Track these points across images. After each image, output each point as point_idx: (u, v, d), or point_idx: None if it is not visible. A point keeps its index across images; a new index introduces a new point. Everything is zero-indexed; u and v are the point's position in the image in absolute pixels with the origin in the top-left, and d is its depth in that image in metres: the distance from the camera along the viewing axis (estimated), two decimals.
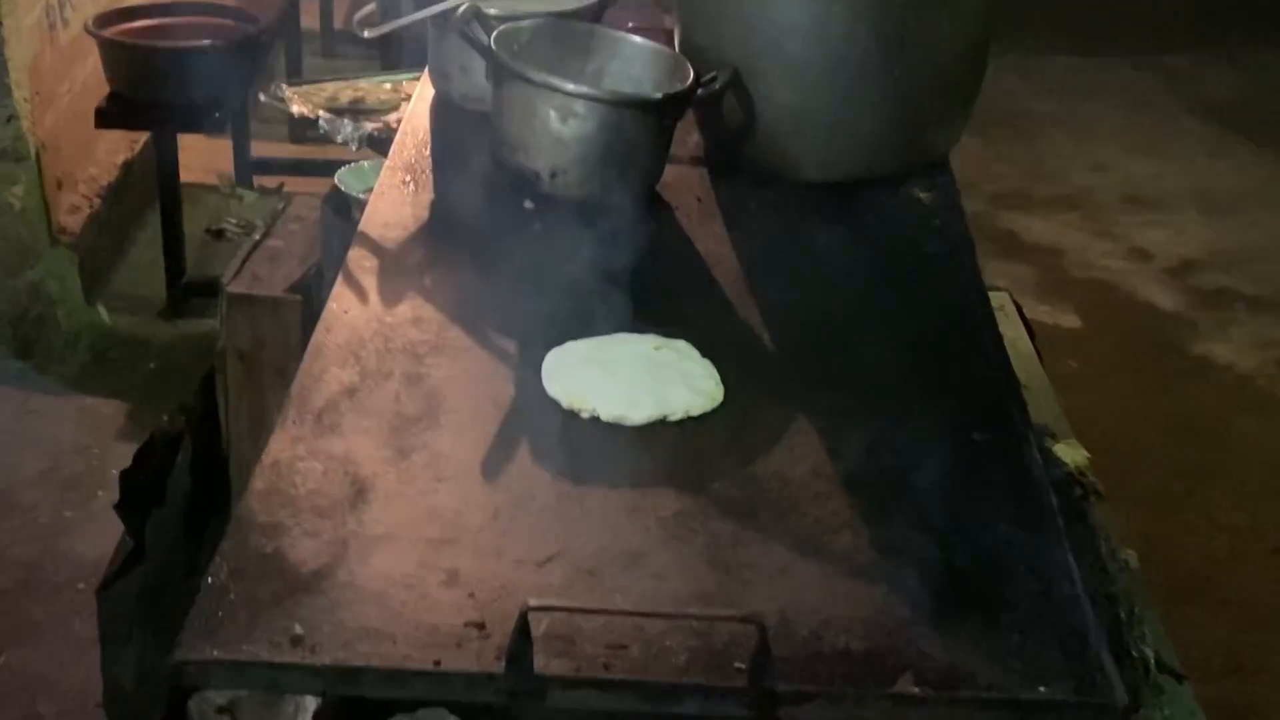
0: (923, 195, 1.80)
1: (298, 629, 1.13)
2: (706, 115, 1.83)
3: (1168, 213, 4.40)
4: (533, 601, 1.11)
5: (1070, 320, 3.78)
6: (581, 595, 1.18)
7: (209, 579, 1.18)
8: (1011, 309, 2.03)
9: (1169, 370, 3.61)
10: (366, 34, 1.81)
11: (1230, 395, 3.51)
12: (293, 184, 3.79)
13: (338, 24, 4.74)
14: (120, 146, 3.74)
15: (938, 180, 1.83)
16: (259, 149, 3.90)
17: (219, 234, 3.72)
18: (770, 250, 1.65)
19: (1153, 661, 1.24)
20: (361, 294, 1.57)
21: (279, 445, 1.33)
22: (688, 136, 1.87)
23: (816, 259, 1.62)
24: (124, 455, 2.08)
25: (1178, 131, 4.98)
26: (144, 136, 3.70)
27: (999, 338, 1.52)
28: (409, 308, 1.56)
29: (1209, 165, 4.73)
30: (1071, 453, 1.63)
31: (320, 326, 1.51)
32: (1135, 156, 4.76)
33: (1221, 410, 3.44)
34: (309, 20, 4.57)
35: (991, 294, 2.08)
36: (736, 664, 1.11)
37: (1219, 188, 4.57)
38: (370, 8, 1.86)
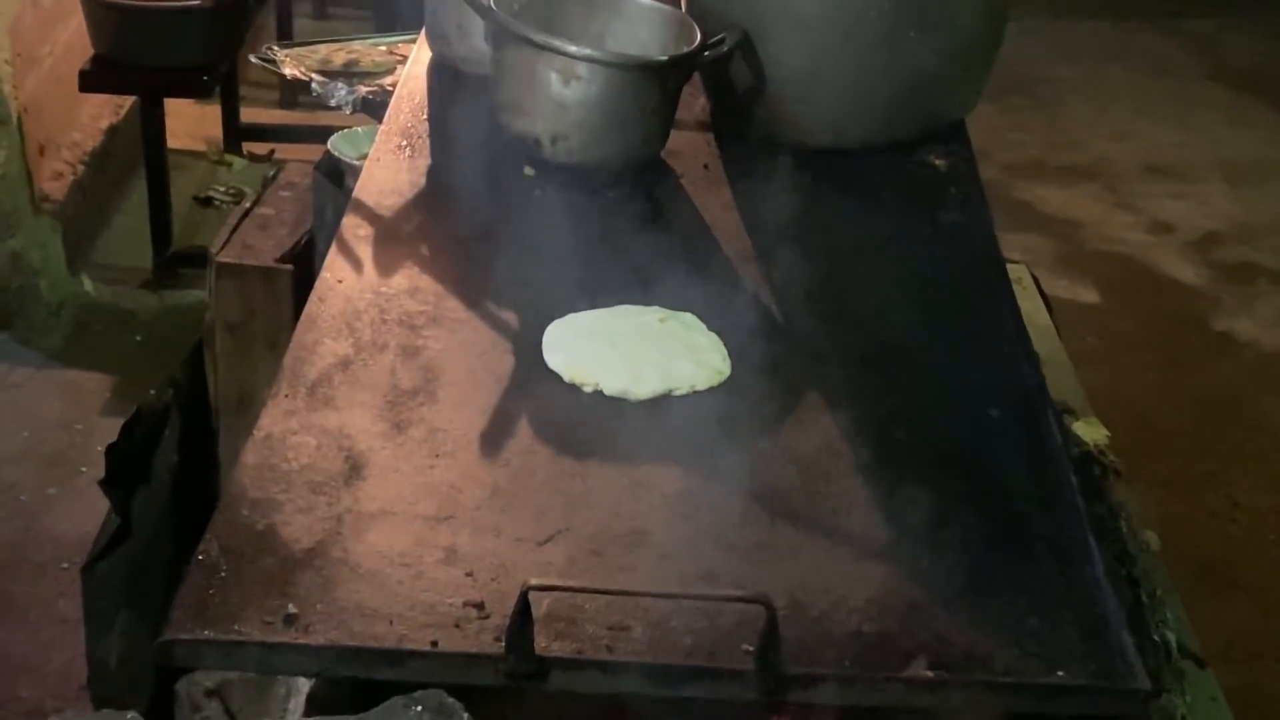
0: (938, 162, 1.75)
1: (291, 608, 1.09)
2: (713, 78, 1.78)
3: (1190, 183, 4.33)
4: (533, 581, 1.07)
5: (1089, 295, 3.73)
6: (584, 575, 1.15)
7: (199, 556, 1.14)
8: (1029, 281, 1.99)
9: (1190, 347, 3.56)
10: None
11: (1254, 373, 3.46)
12: (283, 150, 3.73)
13: None
14: (105, 111, 3.67)
15: (953, 147, 1.78)
16: (248, 114, 3.83)
17: (207, 202, 3.66)
18: (779, 219, 1.60)
19: (1174, 646, 1.21)
20: (356, 263, 1.53)
21: (271, 418, 1.28)
22: (694, 100, 1.83)
23: (827, 228, 1.58)
24: (109, 430, 2.03)
25: (1200, 99, 4.90)
26: (129, 101, 3.63)
27: (1017, 311, 1.48)
28: (405, 278, 1.51)
29: (1233, 134, 4.66)
30: (1091, 431, 1.59)
31: (313, 296, 1.46)
32: (1156, 124, 4.68)
33: (1244, 388, 3.40)
34: None
35: (1009, 266, 2.04)
36: (744, 646, 1.08)
37: (1243, 158, 4.49)
38: None
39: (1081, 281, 3.80)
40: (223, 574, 1.12)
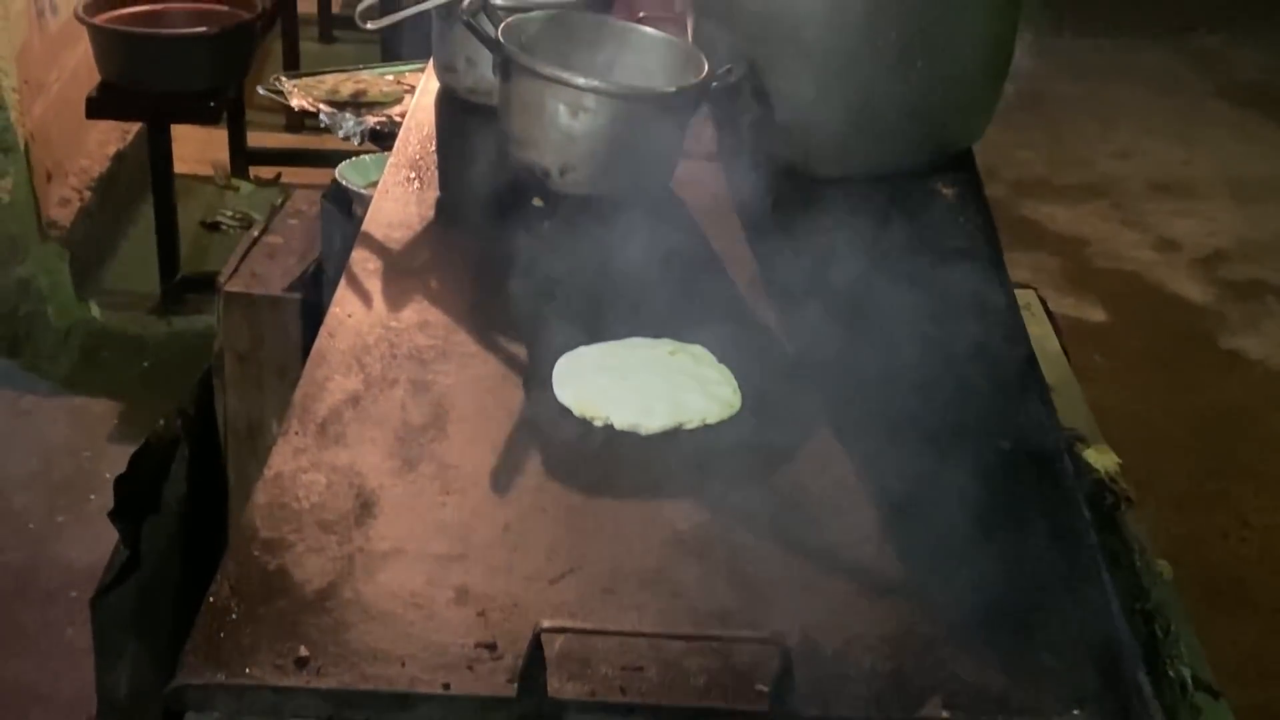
0: (946, 191, 1.75)
1: (302, 650, 1.09)
2: (721, 109, 1.78)
3: (1197, 201, 4.33)
4: (546, 623, 1.07)
5: (1096, 314, 3.72)
6: (596, 614, 1.14)
7: (210, 598, 1.14)
8: (1038, 306, 1.98)
9: (1199, 365, 3.55)
10: (369, 26, 1.76)
11: (1262, 391, 3.45)
12: (290, 175, 3.75)
13: (335, 8, 4.68)
14: (112, 137, 3.68)
15: (961, 175, 1.78)
16: (255, 139, 3.85)
17: (214, 227, 3.67)
18: (788, 249, 1.60)
19: (1189, 681, 1.20)
20: (365, 297, 1.53)
21: (281, 457, 1.28)
22: (702, 131, 1.82)
23: (837, 258, 1.57)
24: (117, 457, 2.04)
25: (1206, 115, 4.89)
26: (136, 126, 3.65)
27: (1027, 341, 1.48)
28: (415, 311, 1.51)
29: (1239, 151, 4.65)
30: (1102, 458, 1.59)
31: (323, 331, 1.46)
32: (1162, 141, 4.67)
33: (1253, 406, 3.39)
34: (306, 5, 4.51)
35: (1018, 291, 2.04)
36: (758, 686, 1.07)
37: (1250, 174, 4.48)
38: None
39: (1089, 300, 3.79)
40: (234, 616, 1.12)
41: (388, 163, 1.80)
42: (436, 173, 1.79)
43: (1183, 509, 3.06)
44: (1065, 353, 2.00)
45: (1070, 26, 5.45)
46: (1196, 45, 5.42)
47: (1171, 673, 1.19)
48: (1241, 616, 2.80)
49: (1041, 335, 1.91)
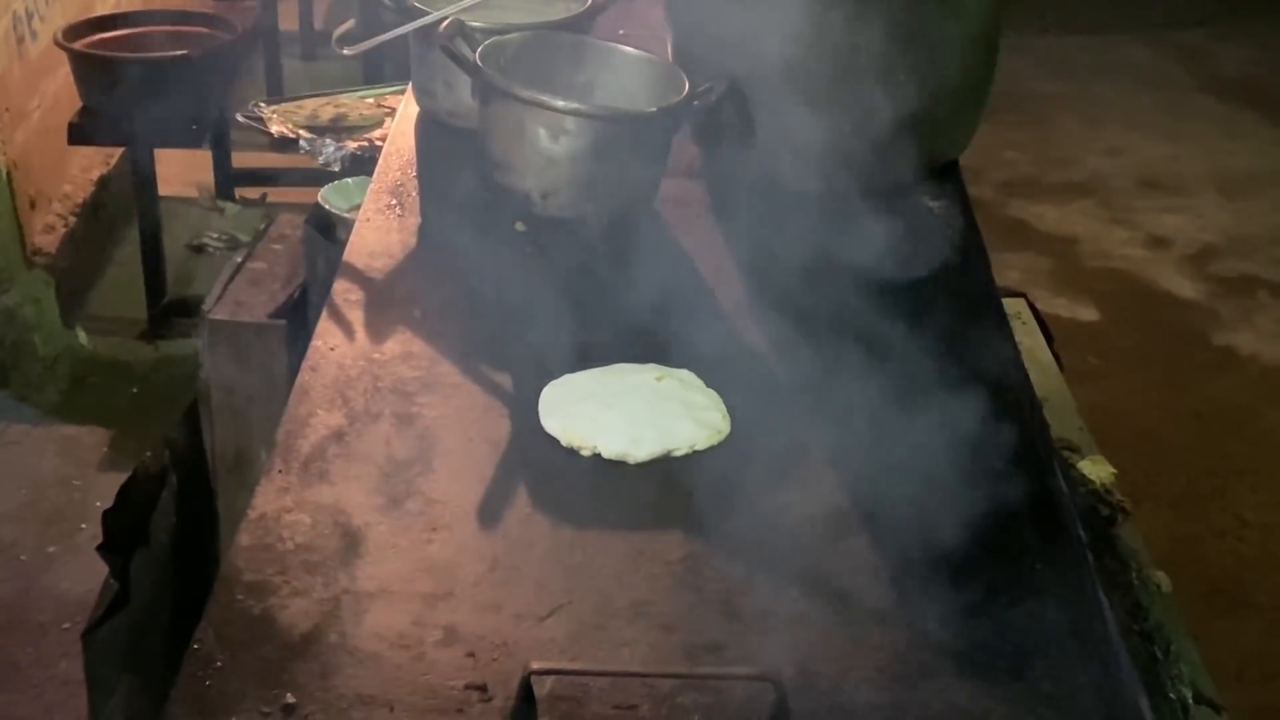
0: (932, 204, 1.74)
1: (289, 698, 1.07)
2: (704, 127, 1.77)
3: (1185, 197, 4.32)
4: (535, 665, 1.05)
5: (1088, 313, 3.71)
6: (587, 650, 1.12)
7: (194, 645, 1.12)
8: (1028, 315, 1.97)
9: (1192, 363, 3.54)
10: (346, 52, 1.74)
11: (1256, 387, 3.44)
12: (276, 194, 3.72)
13: (317, 25, 4.66)
14: (95, 161, 3.66)
15: (946, 188, 1.77)
16: (240, 159, 3.82)
17: (200, 249, 3.65)
18: (775, 268, 1.58)
19: (1190, 702, 1.19)
20: (348, 329, 1.51)
21: (264, 497, 1.26)
22: (684, 149, 1.81)
23: (824, 276, 1.56)
24: (107, 486, 2.02)
25: (1193, 111, 4.88)
26: (119, 150, 3.62)
27: (1017, 355, 1.46)
28: (398, 343, 1.49)
29: (1226, 146, 4.64)
30: (1096, 469, 1.57)
31: (305, 365, 1.44)
32: (1149, 138, 4.66)
33: (1247, 403, 3.37)
34: (287, 23, 4.49)
35: (1007, 300, 2.02)
36: None
37: (1237, 169, 4.47)
38: (350, 24, 1.79)
39: (1080, 300, 3.78)
40: (218, 664, 1.10)
41: (368, 189, 1.78)
42: (417, 199, 1.77)
43: (1179, 509, 3.04)
44: (1058, 361, 1.98)
45: (1054, 25, 5.45)
46: (1180, 41, 5.41)
47: (1173, 694, 1.17)
48: (1242, 617, 2.78)
49: (1033, 345, 1.90)
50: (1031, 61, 5.13)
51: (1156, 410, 3.36)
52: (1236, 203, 4.31)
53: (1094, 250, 4.04)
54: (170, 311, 3.32)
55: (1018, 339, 1.91)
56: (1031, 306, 2.04)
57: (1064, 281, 3.86)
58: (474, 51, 1.66)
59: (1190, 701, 1.19)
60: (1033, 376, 1.77)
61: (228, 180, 3.78)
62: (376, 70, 3.18)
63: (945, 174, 1.80)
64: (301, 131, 2.21)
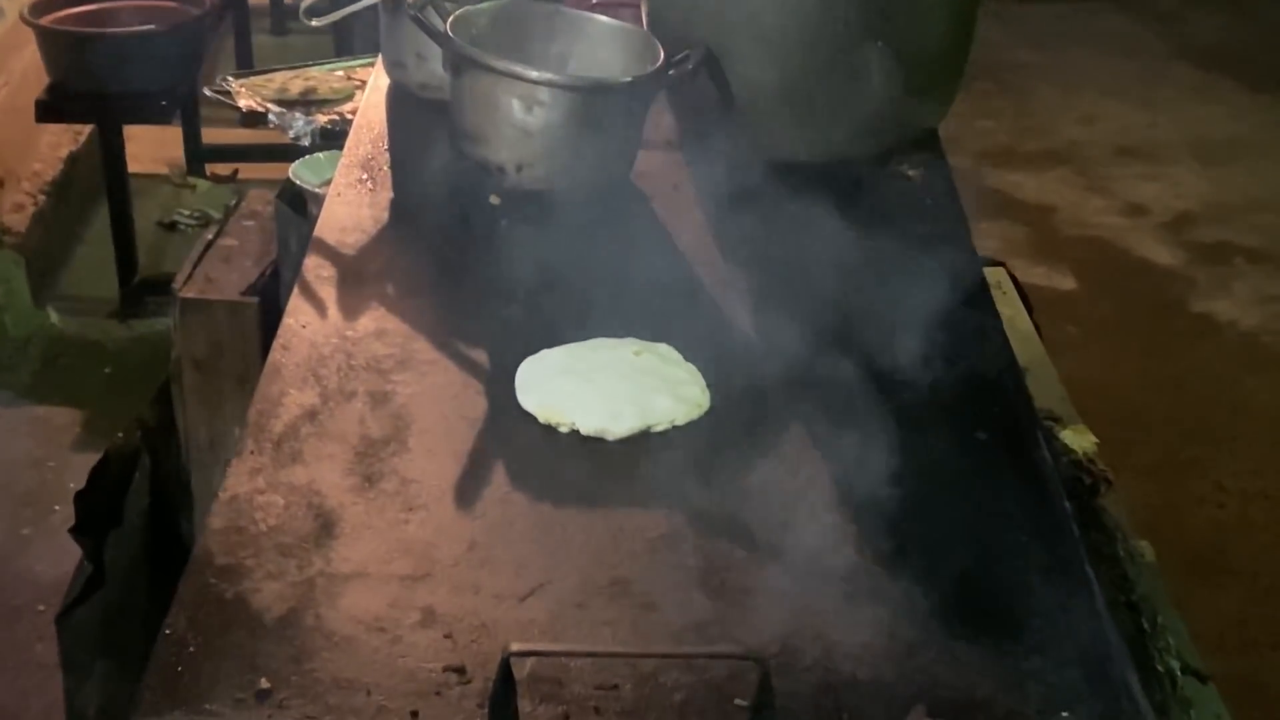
0: (911, 173, 1.72)
1: (264, 683, 1.05)
2: (680, 97, 1.74)
3: (1161, 164, 4.31)
4: (514, 646, 1.03)
5: (1066, 282, 3.71)
6: (567, 630, 1.11)
7: (166, 630, 1.10)
8: (1009, 285, 1.96)
9: (1170, 331, 3.54)
10: (314, 23, 1.71)
11: (1234, 354, 3.44)
12: (248, 170, 3.68)
13: (287, 0, 4.60)
14: (64, 139, 3.61)
15: (926, 156, 1.75)
16: (210, 135, 3.78)
17: (172, 226, 3.61)
18: (754, 239, 1.56)
19: (1177, 673, 1.18)
20: (320, 306, 1.48)
21: (236, 478, 1.24)
22: (661, 120, 1.78)
23: (803, 247, 1.54)
24: (81, 467, 1.99)
25: (1168, 77, 4.88)
26: (89, 127, 3.57)
27: (1000, 326, 1.45)
28: (371, 319, 1.46)
29: (1202, 112, 4.64)
30: (1079, 439, 1.56)
31: (276, 344, 1.41)
32: (1125, 106, 4.66)
33: (1226, 370, 3.38)
34: None
35: (988, 270, 2.00)
36: (737, 700, 1.04)
37: (1213, 136, 4.47)
38: None
39: (1058, 268, 3.77)
40: (191, 649, 1.08)
41: (339, 164, 1.75)
42: (389, 173, 1.74)
43: (1159, 477, 3.05)
44: (1038, 330, 1.97)
45: None
46: (1156, 8, 5.40)
47: (1160, 666, 1.16)
48: (1223, 584, 2.79)
49: (1013, 315, 1.88)
50: (1008, 30, 5.11)
51: (1135, 378, 3.36)
52: (1213, 169, 4.31)
53: (1071, 219, 4.04)
54: (142, 290, 3.28)
55: (998, 309, 1.90)
56: (1011, 276, 2.02)
57: (1042, 250, 3.86)
58: (444, 21, 1.63)
59: (1178, 672, 1.18)
60: (1014, 346, 1.76)
61: (198, 156, 3.74)
62: (347, 43, 3.14)
63: (925, 143, 1.78)
64: (271, 105, 2.17)
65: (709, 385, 1.36)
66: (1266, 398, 3.30)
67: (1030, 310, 2.03)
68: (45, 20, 3.18)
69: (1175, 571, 2.76)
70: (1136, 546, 1.41)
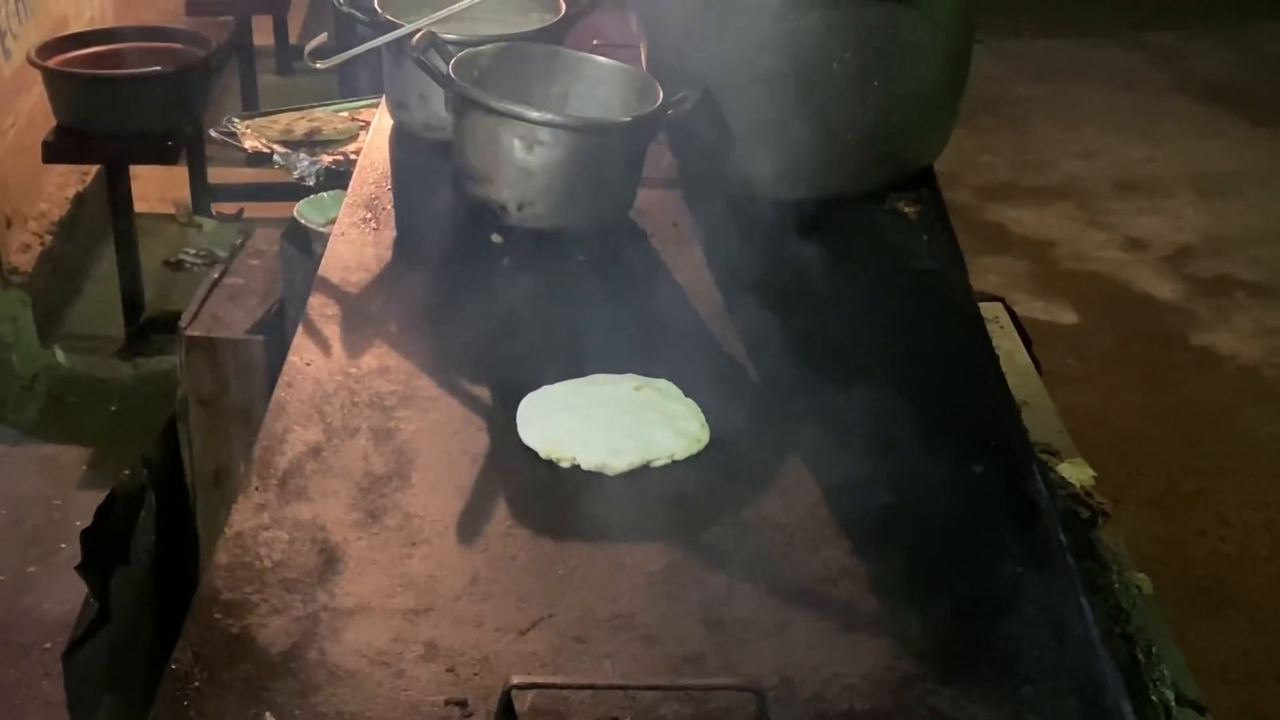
0: (908, 209, 1.74)
1: (269, 717, 1.07)
2: (679, 135, 1.77)
3: (1162, 198, 4.33)
4: (515, 679, 1.05)
5: (1067, 316, 3.72)
6: (568, 663, 1.12)
7: (172, 665, 1.11)
8: (1006, 319, 1.97)
9: (1171, 363, 3.55)
10: (320, 66, 1.73)
11: (1235, 387, 3.45)
12: (254, 209, 3.71)
13: (292, 40, 4.65)
14: (71, 179, 3.65)
15: (922, 193, 1.77)
16: (216, 175, 3.81)
17: (178, 265, 3.63)
18: (752, 275, 1.58)
19: (1172, 704, 1.19)
20: (324, 344, 1.50)
21: (242, 515, 1.25)
22: (660, 158, 1.81)
23: (801, 283, 1.56)
24: (87, 505, 2.00)
25: (1168, 112, 4.90)
26: (95, 167, 3.60)
27: (996, 360, 1.46)
28: (374, 357, 1.48)
29: (1202, 146, 4.66)
30: (1076, 472, 1.57)
31: (281, 381, 1.43)
32: (1125, 140, 4.68)
33: (1227, 403, 3.38)
34: (263, 38, 4.48)
35: (985, 305, 2.02)
36: None
37: (1213, 169, 4.49)
38: (322, 38, 1.78)
39: (1058, 303, 3.79)
40: (197, 683, 1.09)
41: (343, 203, 1.78)
42: (393, 212, 1.76)
43: (1160, 509, 3.05)
44: (1037, 364, 1.98)
45: (1030, 29, 5.47)
46: (1156, 43, 5.44)
47: (1155, 697, 1.17)
48: (1225, 615, 2.79)
49: (1011, 349, 1.90)
50: (1008, 66, 5.15)
51: (1136, 411, 3.37)
52: (1213, 203, 4.32)
53: (1072, 253, 4.05)
54: (148, 329, 3.30)
55: (996, 343, 1.92)
56: (1009, 310, 2.04)
57: (1042, 285, 3.87)
58: (447, 63, 1.66)
59: (1172, 703, 1.19)
60: (1011, 380, 1.77)
61: (204, 196, 3.77)
62: (352, 84, 3.17)
63: (921, 179, 1.80)
64: (276, 146, 2.20)
65: (708, 420, 1.37)
66: (1268, 429, 3.30)
67: (1029, 344, 2.04)
68: (52, 62, 3.22)
69: (1178, 603, 2.76)
70: (1134, 578, 1.42)
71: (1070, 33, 5.51)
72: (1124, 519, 2.96)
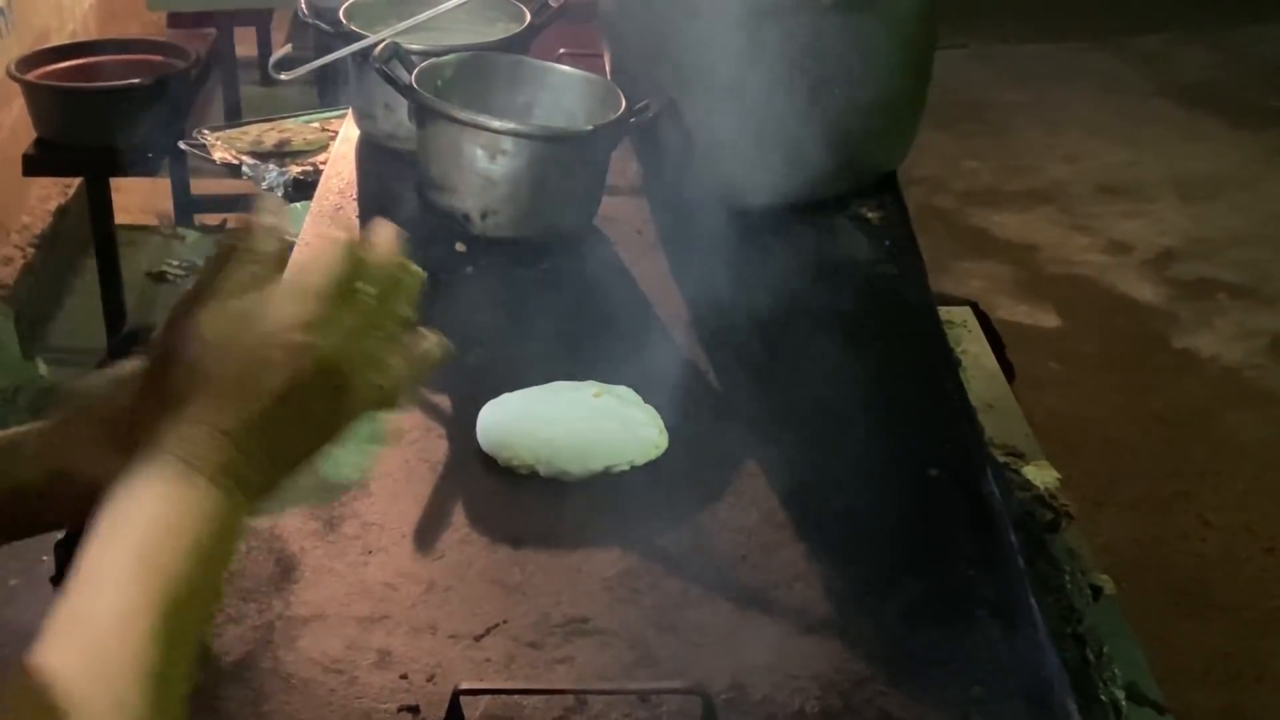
0: (870, 215, 1.75)
1: None
2: (643, 144, 1.78)
3: (1144, 201, 4.34)
4: (463, 685, 1.06)
5: (1049, 319, 3.73)
6: (522, 670, 1.13)
7: None
8: (974, 323, 1.98)
9: (1153, 366, 3.56)
10: (284, 77, 1.74)
11: (1217, 389, 3.46)
12: (237, 221, 3.70)
13: (276, 51, 4.65)
14: (53, 192, 3.65)
15: (885, 199, 1.78)
16: (199, 185, 3.81)
17: (160, 277, 3.64)
18: (715, 282, 1.59)
19: (1123, 700, 1.19)
20: None
21: None
22: (625, 166, 1.82)
23: (763, 289, 1.57)
24: None
25: (1151, 115, 4.92)
26: (77, 180, 3.61)
27: (954, 364, 1.47)
28: None
29: (1184, 150, 4.67)
30: (1041, 474, 1.58)
31: None
32: (1108, 144, 4.69)
33: (1209, 405, 3.39)
34: (245, 49, 4.48)
35: (954, 308, 2.03)
36: None
37: (1196, 172, 4.51)
38: (286, 49, 1.79)
39: (1041, 306, 3.80)
40: None
41: (308, 213, 1.78)
42: (357, 222, 1.77)
43: (1142, 512, 3.06)
44: (1010, 367, 1.99)
45: (1013, 33, 5.49)
46: (1139, 47, 5.46)
47: (1104, 696, 1.18)
48: (1207, 618, 2.80)
49: (979, 352, 1.91)
50: (991, 70, 5.16)
51: (1118, 414, 3.38)
52: (1195, 206, 4.34)
53: (1055, 257, 4.07)
54: (130, 341, 3.30)
55: (964, 347, 1.93)
56: (979, 314, 2.05)
57: (1025, 289, 3.88)
58: (410, 74, 1.67)
59: (1123, 702, 1.19)
60: (978, 384, 1.79)
61: (187, 207, 3.77)
62: (331, 95, 3.18)
63: (884, 185, 1.81)
64: (244, 157, 2.21)
65: (666, 426, 1.38)
66: (1249, 432, 3.31)
67: (1002, 348, 2.05)
68: (32, 75, 3.23)
69: (1159, 605, 2.78)
70: (1095, 579, 1.43)
71: (1055, 37, 5.52)
72: (1105, 522, 2.98)
